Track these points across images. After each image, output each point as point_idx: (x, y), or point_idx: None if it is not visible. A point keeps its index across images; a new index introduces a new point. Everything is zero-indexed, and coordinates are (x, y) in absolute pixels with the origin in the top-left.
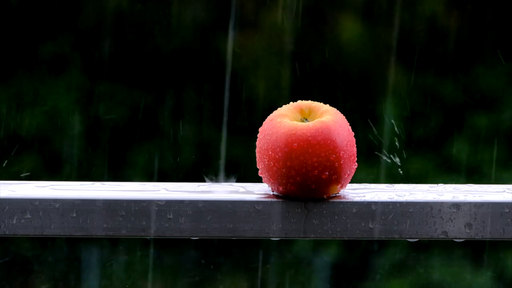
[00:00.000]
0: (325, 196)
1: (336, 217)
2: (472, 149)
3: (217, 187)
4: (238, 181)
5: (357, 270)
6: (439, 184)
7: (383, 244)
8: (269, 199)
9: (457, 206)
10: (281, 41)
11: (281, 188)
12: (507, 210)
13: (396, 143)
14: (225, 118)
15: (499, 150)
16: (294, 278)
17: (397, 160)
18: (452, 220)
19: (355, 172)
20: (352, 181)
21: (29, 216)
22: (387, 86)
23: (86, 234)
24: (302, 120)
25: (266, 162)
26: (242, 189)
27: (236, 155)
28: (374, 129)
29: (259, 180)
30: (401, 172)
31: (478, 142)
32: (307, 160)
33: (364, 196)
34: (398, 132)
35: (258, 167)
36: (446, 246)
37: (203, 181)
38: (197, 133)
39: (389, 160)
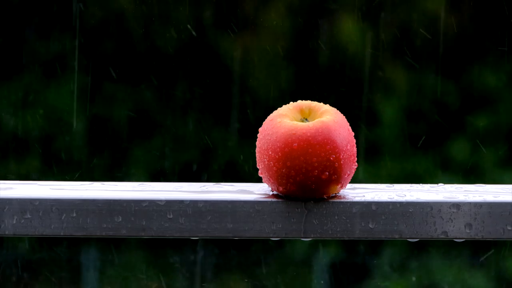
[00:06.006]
0: (325, 196)
1: (336, 217)
2: (472, 149)
3: (217, 187)
4: (238, 181)
5: (357, 270)
6: (439, 184)
7: (383, 244)
8: (269, 199)
9: (457, 206)
10: (281, 41)
11: (281, 188)
12: (507, 210)
13: (396, 143)
14: (225, 118)
15: (498, 150)
16: (294, 278)
17: (397, 160)
18: (452, 220)
19: (355, 172)
20: (352, 181)
21: (29, 216)
22: (387, 85)
23: (86, 234)
24: (302, 120)
25: (266, 162)
26: (242, 189)
27: (236, 155)
28: (374, 129)
29: (259, 180)
30: (401, 171)
31: (478, 142)
32: (307, 160)
33: (364, 196)
34: (398, 132)
35: (258, 167)
36: (446, 246)
37: (204, 181)
38: (197, 133)
39: (389, 160)
